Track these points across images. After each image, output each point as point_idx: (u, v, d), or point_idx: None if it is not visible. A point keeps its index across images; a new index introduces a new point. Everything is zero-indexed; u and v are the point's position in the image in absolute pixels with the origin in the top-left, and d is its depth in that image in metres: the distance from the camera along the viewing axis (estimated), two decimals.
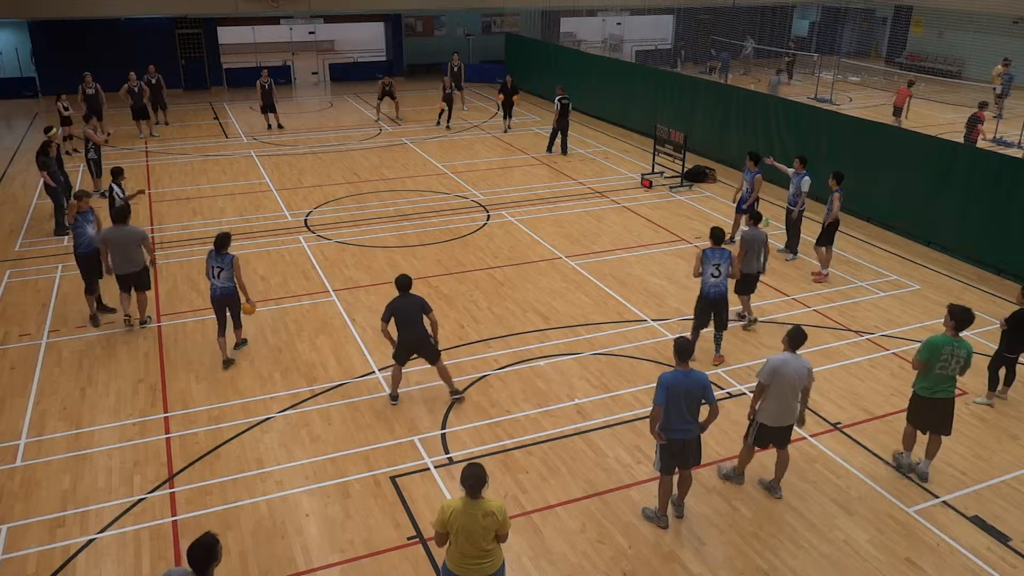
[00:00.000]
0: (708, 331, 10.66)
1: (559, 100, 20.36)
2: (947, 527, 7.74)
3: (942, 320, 8.25)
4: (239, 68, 30.94)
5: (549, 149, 21.06)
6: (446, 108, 23.64)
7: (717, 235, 10.22)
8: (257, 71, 25.49)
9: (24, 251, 14.36)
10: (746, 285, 11.33)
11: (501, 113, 23.87)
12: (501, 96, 23.52)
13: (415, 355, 9.45)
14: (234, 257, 10.15)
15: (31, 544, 7.40)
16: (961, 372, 7.93)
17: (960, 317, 7.87)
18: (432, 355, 9.40)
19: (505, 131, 23.38)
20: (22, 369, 10.43)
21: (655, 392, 7.17)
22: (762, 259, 11.23)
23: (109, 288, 11.84)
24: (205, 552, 5.12)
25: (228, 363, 10.43)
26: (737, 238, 14.63)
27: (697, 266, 10.20)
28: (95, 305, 11.66)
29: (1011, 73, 27.61)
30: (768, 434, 7.80)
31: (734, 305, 11.11)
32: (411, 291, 9.23)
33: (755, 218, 11.29)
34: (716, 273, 10.09)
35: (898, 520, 7.82)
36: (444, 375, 9.57)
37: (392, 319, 9.13)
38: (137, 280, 11.25)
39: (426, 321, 9.26)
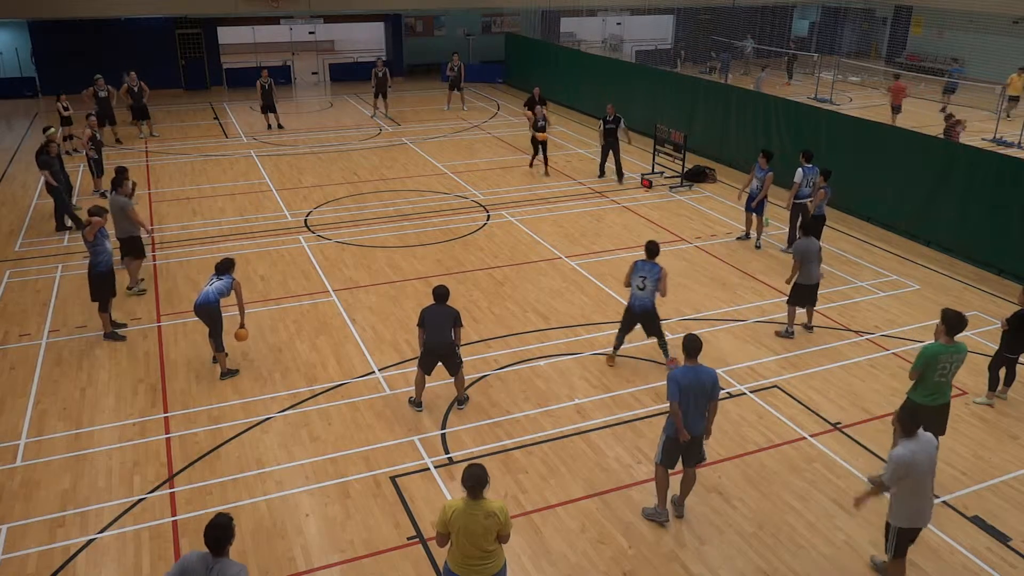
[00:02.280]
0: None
1: (616, 119, 18.17)
2: (947, 527, 7.74)
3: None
4: (239, 68, 30.93)
5: (601, 173, 18.88)
6: (540, 149, 18.86)
7: (651, 249, 10.10)
8: (257, 71, 25.49)
9: (24, 251, 14.37)
10: (798, 296, 11.05)
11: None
12: (528, 112, 20.50)
13: (439, 363, 9.35)
14: (234, 280, 10.05)
15: (31, 544, 7.40)
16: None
17: (953, 323, 7.69)
18: (453, 367, 9.35)
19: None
20: (22, 369, 10.43)
21: (668, 389, 7.19)
22: (819, 269, 11.03)
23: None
24: (221, 532, 5.25)
25: (226, 374, 10.23)
26: (758, 238, 14.69)
27: (627, 276, 10.17)
28: (110, 322, 11.24)
29: (963, 68, 28.01)
30: (909, 537, 6.60)
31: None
32: (447, 302, 9.15)
33: (806, 229, 10.99)
34: (641, 286, 9.98)
35: None
36: (459, 385, 9.53)
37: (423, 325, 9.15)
38: (124, 247, 12.36)
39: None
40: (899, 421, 6.37)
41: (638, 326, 10.32)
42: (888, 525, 6.59)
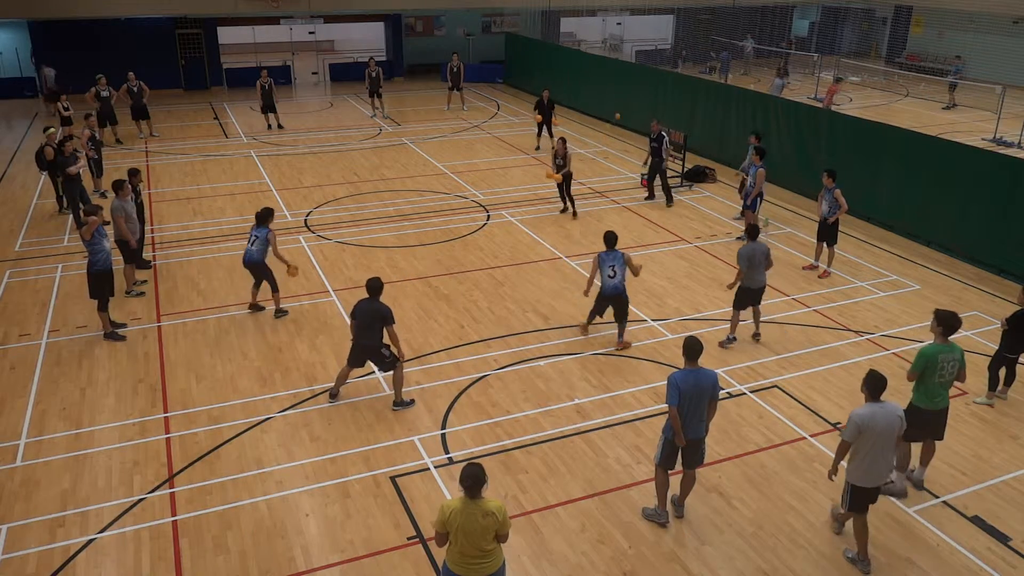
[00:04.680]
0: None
1: (659, 136, 16.68)
2: (947, 527, 7.74)
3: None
4: (239, 68, 30.95)
5: (651, 194, 17.25)
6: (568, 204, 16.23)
7: (610, 239, 10.70)
8: (257, 71, 25.49)
9: (24, 251, 14.37)
10: (742, 300, 10.93)
11: (536, 131, 21.37)
12: (539, 116, 20.75)
13: (367, 361, 9.38)
14: (270, 231, 11.28)
15: (31, 544, 7.40)
16: (960, 378, 7.88)
17: (948, 323, 7.70)
18: (381, 366, 9.37)
19: (537, 148, 21.13)
20: (22, 369, 10.43)
21: (667, 393, 7.19)
22: (764, 273, 10.85)
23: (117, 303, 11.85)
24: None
25: (255, 307, 11.83)
26: (761, 237, 14.65)
27: (593, 271, 10.65)
28: (110, 322, 11.25)
29: (959, 66, 28.07)
30: (866, 496, 7.05)
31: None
32: (380, 297, 9.09)
33: (749, 233, 10.87)
34: (612, 274, 10.59)
35: (898, 520, 7.82)
36: (395, 384, 9.47)
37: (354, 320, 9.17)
38: (120, 250, 12.31)
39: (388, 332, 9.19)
40: (866, 387, 6.89)
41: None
42: (846, 482, 7.08)
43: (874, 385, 6.85)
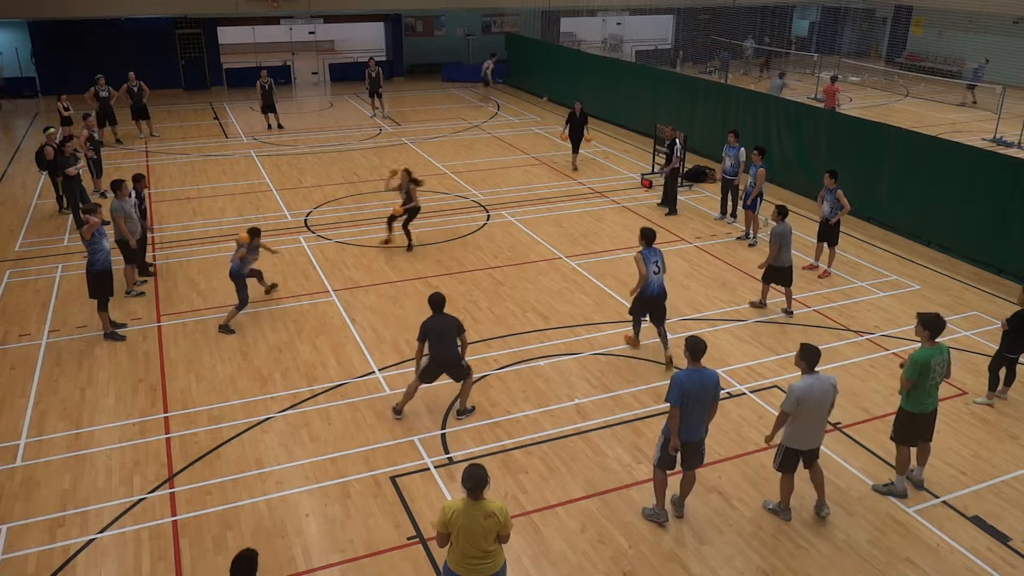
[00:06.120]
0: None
1: (671, 143, 16.26)
2: (947, 527, 7.74)
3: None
4: (239, 68, 30.95)
5: (665, 204, 16.62)
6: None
7: (649, 235, 10.31)
8: (257, 71, 25.49)
9: (24, 251, 14.37)
10: (772, 277, 11.80)
11: (571, 147, 19.57)
12: (565, 135, 19.36)
13: (444, 374, 9.16)
14: (242, 247, 11.24)
15: (31, 544, 7.40)
16: (948, 375, 7.92)
17: (933, 326, 7.68)
18: (459, 375, 9.17)
19: (575, 167, 19.58)
20: (22, 369, 10.43)
21: (669, 392, 7.19)
22: (791, 252, 11.74)
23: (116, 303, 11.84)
24: (245, 564, 5.39)
25: (224, 329, 11.39)
26: (761, 236, 14.68)
27: (641, 268, 10.22)
28: (110, 322, 11.26)
29: (982, 65, 28.06)
30: (796, 458, 7.54)
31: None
32: (444, 310, 8.95)
33: (781, 212, 11.67)
34: (656, 270, 10.26)
35: (898, 520, 7.82)
36: (465, 393, 9.39)
37: (426, 339, 8.89)
38: (121, 250, 12.31)
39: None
40: (803, 359, 7.34)
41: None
42: (781, 445, 7.57)
43: (811, 358, 7.30)
